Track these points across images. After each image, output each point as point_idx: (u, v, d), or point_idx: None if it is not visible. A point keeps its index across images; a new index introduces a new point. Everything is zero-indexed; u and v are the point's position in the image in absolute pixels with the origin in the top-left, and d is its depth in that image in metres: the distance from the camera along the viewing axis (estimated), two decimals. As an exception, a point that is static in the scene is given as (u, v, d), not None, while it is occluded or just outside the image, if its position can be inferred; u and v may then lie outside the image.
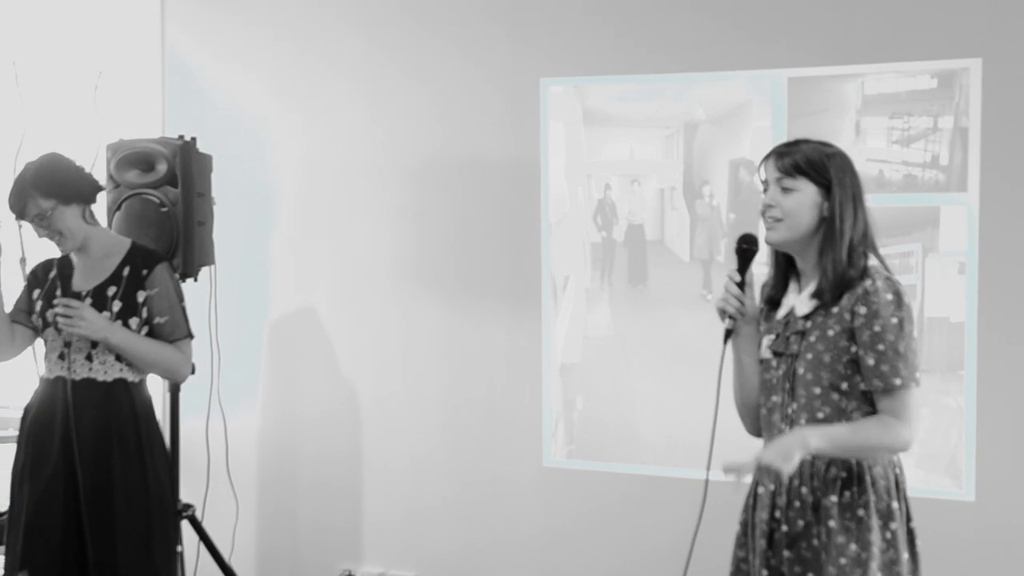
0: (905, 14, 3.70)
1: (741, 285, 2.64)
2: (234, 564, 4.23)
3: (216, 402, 4.28)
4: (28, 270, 3.52)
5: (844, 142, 3.73)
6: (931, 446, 3.67)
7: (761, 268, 2.72)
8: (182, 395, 4.06)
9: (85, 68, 4.57)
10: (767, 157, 2.61)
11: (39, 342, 3.45)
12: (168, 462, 3.48)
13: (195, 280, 3.95)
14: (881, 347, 2.45)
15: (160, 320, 3.37)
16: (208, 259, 4.01)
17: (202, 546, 4.08)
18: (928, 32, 3.67)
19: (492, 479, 4.27)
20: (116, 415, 3.32)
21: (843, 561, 2.47)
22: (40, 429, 3.33)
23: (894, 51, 3.70)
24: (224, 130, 4.46)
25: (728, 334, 2.65)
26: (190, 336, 3.45)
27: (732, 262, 2.70)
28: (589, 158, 4.12)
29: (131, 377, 3.36)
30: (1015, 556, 3.64)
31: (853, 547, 2.48)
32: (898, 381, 2.45)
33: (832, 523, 2.50)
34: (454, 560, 4.33)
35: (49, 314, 3.29)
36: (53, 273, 3.40)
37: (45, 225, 3.30)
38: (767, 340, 2.66)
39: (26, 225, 3.41)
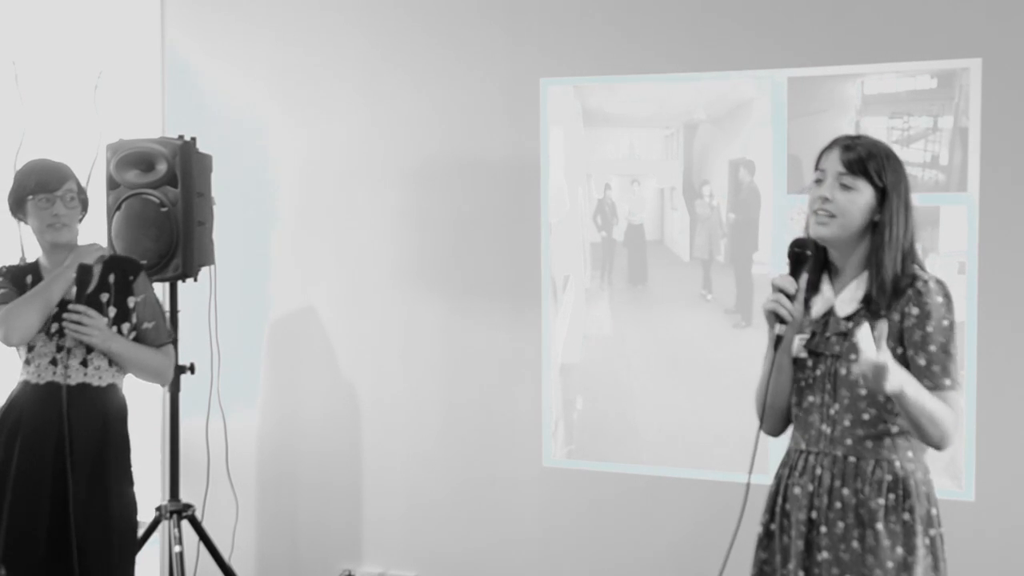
0: (905, 14, 3.70)
1: (794, 294, 2.54)
2: (234, 564, 4.23)
3: (216, 402, 4.28)
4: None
5: (844, 142, 3.74)
6: (931, 446, 3.66)
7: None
8: (182, 395, 4.06)
9: (85, 68, 4.57)
10: (830, 148, 2.55)
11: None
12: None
13: (195, 280, 3.95)
14: (933, 348, 2.45)
15: (148, 325, 3.43)
16: (208, 259, 4.01)
17: (202, 546, 4.08)
18: (928, 32, 3.67)
19: (492, 479, 4.27)
20: (109, 419, 3.35)
21: (890, 565, 2.47)
22: (31, 433, 3.31)
23: (894, 51, 3.70)
24: (224, 130, 4.46)
25: (779, 340, 2.55)
26: (173, 340, 3.56)
27: (784, 265, 2.60)
28: (589, 158, 4.12)
29: (119, 382, 3.41)
30: (1015, 556, 3.64)
31: (899, 551, 2.47)
32: (948, 382, 2.46)
33: (879, 526, 2.48)
34: (454, 560, 4.33)
35: (65, 316, 3.25)
36: (30, 279, 3.38)
37: (72, 207, 3.36)
38: (800, 339, 2.60)
39: (25, 227, 3.43)
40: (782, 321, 2.54)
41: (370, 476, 4.45)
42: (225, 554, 4.18)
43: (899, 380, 2.35)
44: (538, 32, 4.15)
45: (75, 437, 3.28)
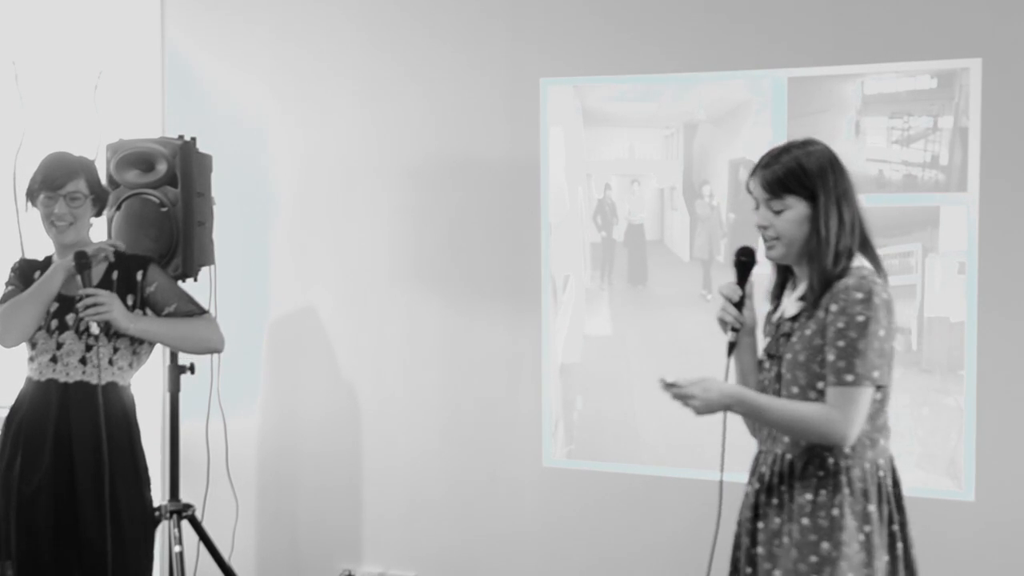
0: (905, 14, 3.70)
1: (742, 299, 2.64)
2: (234, 564, 4.23)
3: (216, 402, 4.28)
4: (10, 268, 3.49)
5: (844, 142, 3.75)
6: (931, 446, 3.67)
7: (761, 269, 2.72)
8: (182, 395, 4.06)
9: (85, 68, 4.57)
10: (752, 174, 2.60)
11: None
12: (146, 464, 3.46)
13: (195, 280, 3.95)
14: (842, 343, 2.46)
15: (169, 309, 3.39)
16: (208, 259, 4.01)
17: (202, 546, 4.08)
18: (928, 32, 3.67)
19: (492, 479, 4.27)
20: (108, 417, 3.30)
21: (813, 559, 2.49)
22: (31, 431, 3.31)
23: (894, 51, 3.70)
24: (224, 130, 4.46)
25: (731, 347, 2.66)
26: (205, 311, 3.47)
27: (732, 273, 2.69)
28: (589, 158, 4.12)
29: (121, 381, 3.37)
30: (1015, 556, 3.64)
31: (825, 545, 2.49)
32: (850, 378, 2.45)
33: (805, 520, 2.51)
34: (454, 560, 4.33)
35: (80, 306, 3.21)
36: (38, 275, 3.38)
37: (74, 207, 3.33)
38: (763, 343, 2.69)
39: (26, 223, 3.42)
40: (733, 328, 2.63)
41: (370, 476, 4.45)
42: (225, 554, 4.18)
43: (715, 402, 2.49)
44: (538, 32, 4.15)
45: (73, 435, 3.27)
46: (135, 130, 4.28)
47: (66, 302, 3.32)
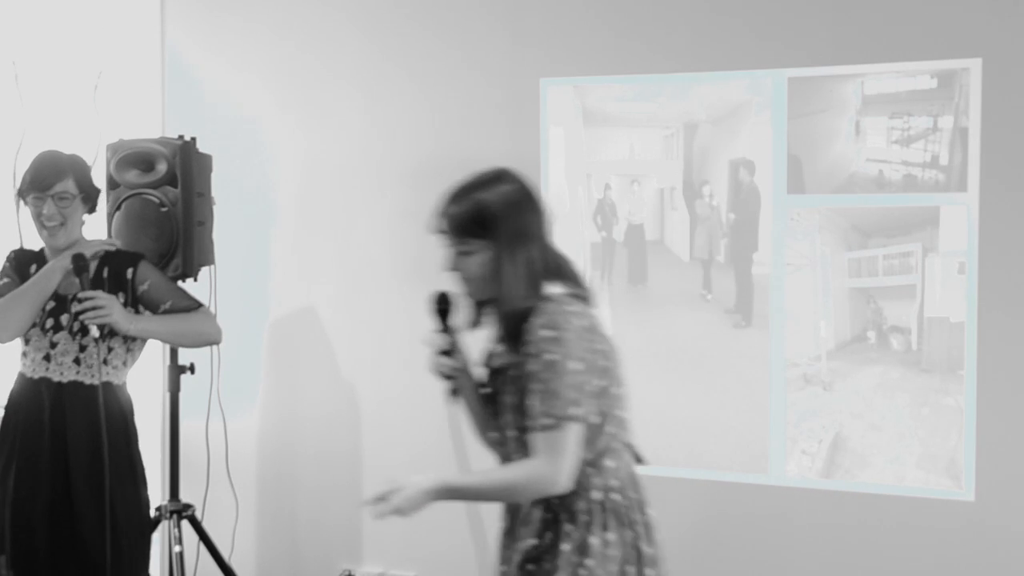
0: (905, 14, 3.70)
1: (451, 347, 2.60)
2: (234, 564, 4.23)
3: (216, 402, 4.28)
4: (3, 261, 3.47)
5: (844, 142, 3.75)
6: (931, 446, 3.66)
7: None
8: (182, 395, 4.06)
9: (85, 68, 4.57)
10: (441, 213, 2.53)
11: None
12: (142, 462, 3.46)
13: (195, 280, 3.95)
14: (538, 387, 2.38)
15: (165, 306, 3.38)
16: (208, 259, 4.01)
17: (202, 546, 4.08)
18: (928, 32, 3.67)
19: (492, 479, 4.27)
20: (105, 417, 3.28)
21: None
22: (26, 430, 3.32)
23: (894, 51, 3.70)
24: (224, 130, 4.46)
25: (454, 393, 2.63)
26: (200, 304, 3.46)
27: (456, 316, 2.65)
28: (589, 158, 4.12)
29: (116, 380, 3.37)
30: (1015, 556, 3.64)
31: None
32: (547, 421, 2.37)
33: (530, 566, 2.50)
34: (454, 560, 4.32)
35: (78, 309, 3.20)
36: (34, 269, 3.37)
37: (63, 207, 3.30)
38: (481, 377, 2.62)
39: (25, 223, 3.42)
40: (449, 377, 2.61)
41: (370, 476, 4.44)
42: (225, 554, 4.18)
43: (419, 499, 2.49)
44: (538, 32, 4.15)
45: (69, 435, 3.27)
46: (135, 130, 4.28)
47: (61, 301, 3.31)
